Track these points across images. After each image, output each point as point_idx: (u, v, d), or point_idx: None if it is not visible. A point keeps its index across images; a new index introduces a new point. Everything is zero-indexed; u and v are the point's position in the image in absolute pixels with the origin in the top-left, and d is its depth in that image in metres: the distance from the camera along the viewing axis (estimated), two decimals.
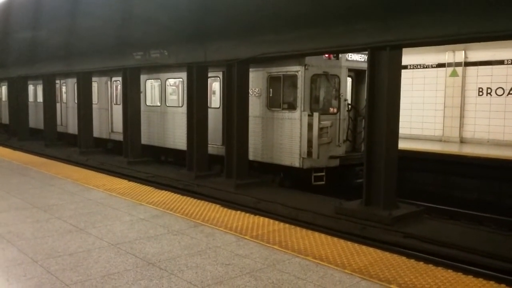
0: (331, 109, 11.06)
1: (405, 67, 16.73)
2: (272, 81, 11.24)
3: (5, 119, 25.13)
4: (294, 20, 9.14)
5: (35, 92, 22.94)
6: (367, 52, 11.23)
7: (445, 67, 16.63)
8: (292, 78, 10.80)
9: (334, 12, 8.44)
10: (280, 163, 11.07)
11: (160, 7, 11.73)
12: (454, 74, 16.35)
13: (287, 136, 10.83)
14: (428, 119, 17.13)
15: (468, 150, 13.90)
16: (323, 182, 10.71)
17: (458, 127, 16.28)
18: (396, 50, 7.97)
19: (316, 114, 10.22)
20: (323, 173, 10.71)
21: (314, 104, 10.80)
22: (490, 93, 15.53)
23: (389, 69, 7.94)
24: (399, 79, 8.23)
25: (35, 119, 22.31)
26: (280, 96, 11.09)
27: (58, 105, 20.65)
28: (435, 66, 16.99)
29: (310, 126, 10.32)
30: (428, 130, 17.13)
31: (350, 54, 11.06)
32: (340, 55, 10.89)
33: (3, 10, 21.76)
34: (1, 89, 26.59)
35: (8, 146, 18.73)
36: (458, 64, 16.28)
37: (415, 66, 17.41)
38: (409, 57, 16.09)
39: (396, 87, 8.14)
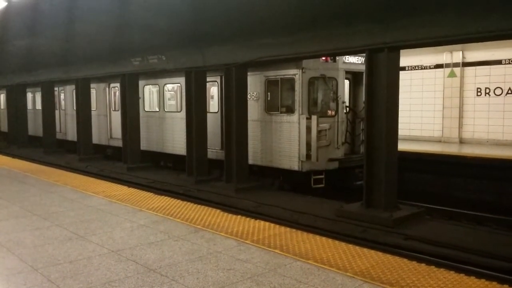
0: (329, 112, 11.06)
1: (403, 68, 16.75)
2: (270, 84, 11.24)
3: (4, 127, 25.11)
4: (291, 23, 9.15)
5: (34, 100, 22.93)
6: (364, 54, 11.31)
7: (443, 68, 16.65)
8: (290, 82, 10.80)
9: (331, 14, 8.45)
10: (279, 167, 11.06)
11: (157, 13, 11.73)
12: (452, 74, 16.36)
13: (285, 139, 10.82)
14: (427, 120, 17.13)
15: (468, 151, 13.89)
16: (323, 185, 10.70)
17: (457, 128, 16.28)
18: (394, 52, 7.98)
19: (314, 117, 10.22)
20: (323, 176, 10.69)
21: (312, 107, 10.81)
22: (488, 93, 15.54)
23: (387, 70, 7.95)
24: (398, 81, 8.23)
25: (34, 126, 22.30)
26: (278, 100, 11.09)
27: (56, 112, 20.64)
28: (433, 67, 17.00)
29: (308, 129, 10.33)
30: (427, 131, 17.13)
31: (347, 56, 11.07)
32: (337, 58, 10.89)
33: (0, 17, 21.73)
34: (0, 97, 26.57)
35: (7, 154, 18.71)
36: (456, 65, 16.29)
37: (413, 68, 17.42)
38: (407, 58, 16.11)
39: (395, 88, 8.14)
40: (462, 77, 16.16)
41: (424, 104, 17.19)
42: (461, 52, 16.06)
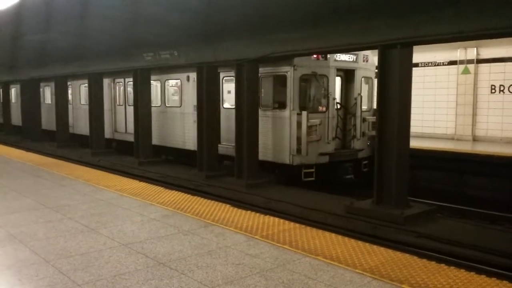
0: (320, 108, 11.30)
1: (416, 65, 16.58)
2: (264, 81, 11.46)
3: (16, 121, 25.36)
4: (303, 18, 9.10)
5: (43, 94, 23.22)
6: (355, 53, 11.63)
7: (456, 64, 16.45)
8: (282, 78, 11.03)
9: (344, 10, 8.39)
10: (273, 161, 11.32)
11: (169, 8, 11.73)
12: (466, 71, 16.17)
13: (278, 134, 11.12)
14: (440, 117, 16.96)
15: (481, 148, 13.73)
16: (313, 178, 10.95)
17: (470, 125, 16.10)
18: (407, 48, 7.90)
19: (304, 113, 10.50)
20: (313, 170, 10.95)
21: (303, 103, 11.05)
22: (503, 91, 15.33)
23: (400, 67, 7.87)
24: (410, 77, 8.15)
25: (45, 120, 22.58)
26: (271, 96, 11.34)
27: None
28: (446, 63, 16.81)
29: (299, 124, 10.64)
30: (440, 128, 16.97)
31: (338, 54, 11.31)
32: (328, 56, 11.11)
33: (14, 12, 21.93)
34: (11, 91, 26.81)
35: (21, 147, 18.93)
36: (470, 62, 16.09)
37: (426, 64, 17.25)
38: (420, 55, 15.95)
39: (407, 85, 8.07)
40: (476, 74, 15.96)
41: (437, 101, 17.01)
42: (475, 48, 15.85)
